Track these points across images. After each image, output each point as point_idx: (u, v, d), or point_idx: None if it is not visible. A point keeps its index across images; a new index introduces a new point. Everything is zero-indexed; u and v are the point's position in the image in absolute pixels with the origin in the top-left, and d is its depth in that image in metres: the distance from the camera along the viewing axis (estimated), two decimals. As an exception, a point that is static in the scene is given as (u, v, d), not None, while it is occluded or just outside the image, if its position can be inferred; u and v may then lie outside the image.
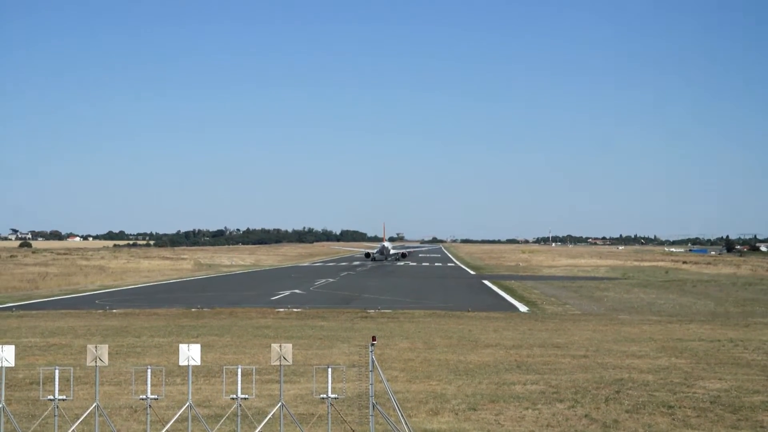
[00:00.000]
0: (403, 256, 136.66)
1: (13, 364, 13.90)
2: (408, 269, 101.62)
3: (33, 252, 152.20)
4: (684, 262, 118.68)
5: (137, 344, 27.62)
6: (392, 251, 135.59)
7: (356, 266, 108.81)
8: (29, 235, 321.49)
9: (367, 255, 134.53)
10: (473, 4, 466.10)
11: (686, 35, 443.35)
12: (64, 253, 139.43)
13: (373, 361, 14.23)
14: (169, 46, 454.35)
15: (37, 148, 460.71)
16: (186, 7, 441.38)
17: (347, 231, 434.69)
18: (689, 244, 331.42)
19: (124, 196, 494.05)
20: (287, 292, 55.21)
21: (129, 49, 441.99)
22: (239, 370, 14.07)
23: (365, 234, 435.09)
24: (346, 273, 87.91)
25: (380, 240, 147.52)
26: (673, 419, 16.64)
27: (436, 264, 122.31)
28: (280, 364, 13.96)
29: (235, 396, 13.97)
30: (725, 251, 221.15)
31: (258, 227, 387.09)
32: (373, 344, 14.42)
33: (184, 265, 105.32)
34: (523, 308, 44.87)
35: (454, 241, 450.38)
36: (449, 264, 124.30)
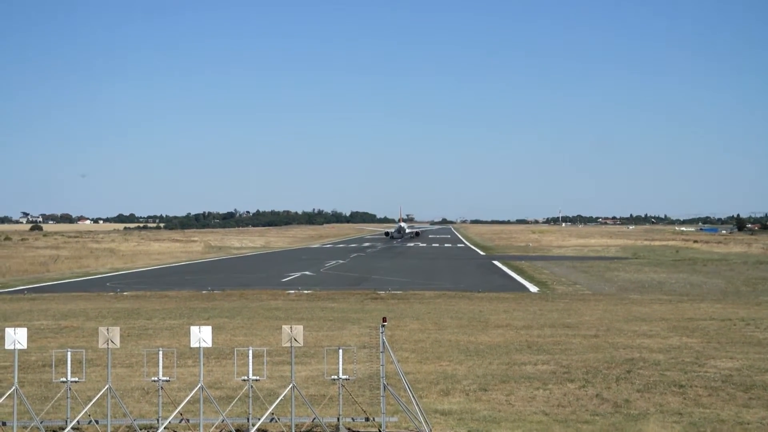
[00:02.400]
0: (417, 234, 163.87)
1: (25, 347, 13.95)
2: (418, 250, 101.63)
3: (44, 235, 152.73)
4: (695, 241, 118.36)
5: (148, 326, 27.71)
6: (407, 230, 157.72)
7: (366, 247, 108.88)
8: (40, 219, 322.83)
9: (387, 233, 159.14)
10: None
11: (693, 15, 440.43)
12: (75, 236, 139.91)
13: (383, 342, 14.23)
14: (177, 30, 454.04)
15: (47, 132, 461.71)
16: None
17: (357, 212, 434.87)
18: (700, 223, 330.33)
19: (135, 179, 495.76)
20: (297, 274, 55.29)
21: (137, 33, 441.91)
22: (250, 352, 14.09)
23: (374, 215, 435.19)
24: (356, 254, 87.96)
25: (391, 221, 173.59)
26: (685, 398, 16.62)
27: (445, 245, 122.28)
28: (291, 346, 13.97)
29: (246, 378, 14.00)
30: (736, 230, 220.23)
31: (268, 209, 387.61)
32: (383, 325, 14.42)
33: (195, 247, 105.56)
34: (533, 288, 44.84)
35: (464, 222, 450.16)
36: (459, 245, 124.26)
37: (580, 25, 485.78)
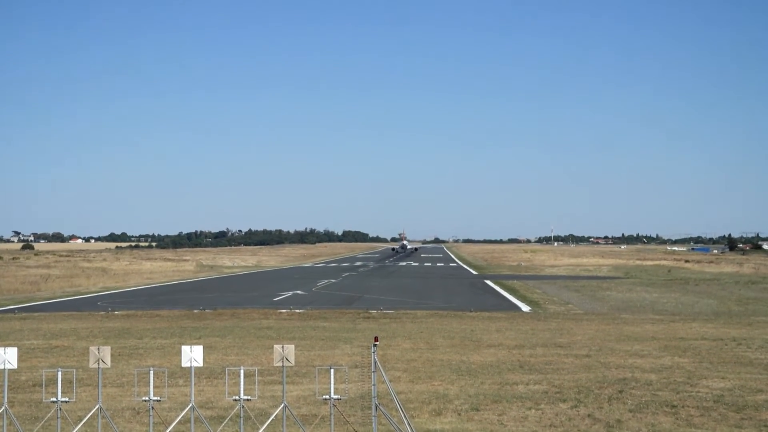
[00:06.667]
0: (416, 250, 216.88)
1: (15, 366, 13.89)
2: (410, 269, 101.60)
3: (35, 254, 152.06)
4: (686, 261, 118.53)
5: (139, 346, 27.61)
6: (408, 247, 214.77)
7: (358, 267, 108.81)
8: (31, 237, 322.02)
9: (393, 249, 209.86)
10: (473, 3, 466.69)
11: (686, 33, 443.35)
12: (67, 255, 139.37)
13: (375, 362, 14.21)
14: (169, 48, 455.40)
15: (39, 150, 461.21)
16: (187, 8, 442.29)
17: (349, 231, 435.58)
18: (691, 243, 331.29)
19: (126, 197, 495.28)
20: (289, 293, 55.19)
21: (129, 50, 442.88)
22: (242, 372, 14.06)
23: (367, 234, 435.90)
24: (348, 274, 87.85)
25: (383, 240, 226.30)
26: (677, 418, 16.62)
27: (438, 264, 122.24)
28: (283, 365, 13.95)
29: (237, 397, 13.96)
30: (727, 250, 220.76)
31: (260, 228, 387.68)
32: (375, 345, 14.41)
33: (186, 266, 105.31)
34: (525, 308, 44.83)
35: (456, 241, 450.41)
36: (451, 264, 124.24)
37: (570, 44, 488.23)
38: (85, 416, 14.23)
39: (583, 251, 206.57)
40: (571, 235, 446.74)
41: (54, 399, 13.81)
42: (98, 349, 13.84)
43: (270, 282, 72.39)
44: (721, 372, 22.20)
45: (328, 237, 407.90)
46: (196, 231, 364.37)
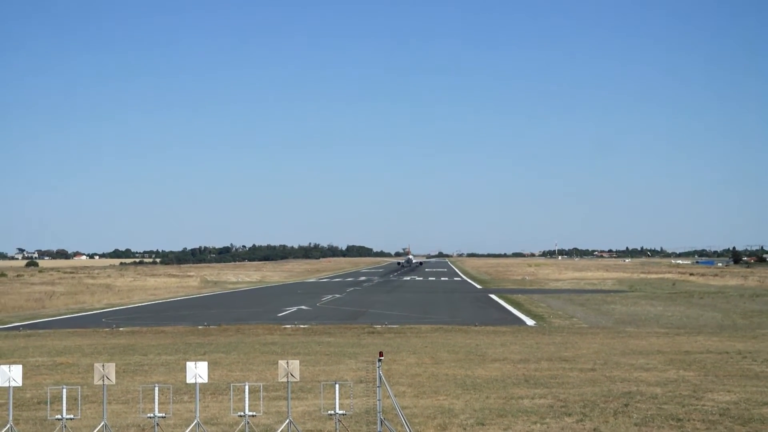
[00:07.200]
0: (420, 264, 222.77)
1: (20, 384, 13.92)
2: (414, 284, 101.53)
3: (39, 271, 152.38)
4: (691, 274, 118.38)
5: (144, 362, 27.61)
6: (414, 261, 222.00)
7: (362, 281, 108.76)
8: (36, 254, 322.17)
9: (398, 263, 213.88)
10: (471, 17, 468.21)
11: (693, 44, 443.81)
12: (71, 272, 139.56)
13: (380, 377, 14.22)
14: (171, 62, 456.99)
15: (43, 167, 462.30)
16: (192, 24, 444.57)
17: (353, 246, 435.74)
18: (696, 256, 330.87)
19: (130, 214, 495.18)
20: (294, 309, 55.18)
21: (132, 63, 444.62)
22: (247, 387, 14.07)
23: (371, 249, 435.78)
24: (352, 289, 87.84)
25: (387, 254, 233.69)
26: (683, 432, 16.58)
27: (442, 278, 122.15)
28: (288, 381, 13.95)
29: (242, 413, 13.96)
30: (732, 263, 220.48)
31: (264, 244, 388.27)
32: (380, 360, 14.42)
33: (191, 282, 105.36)
34: (530, 322, 44.77)
35: (460, 255, 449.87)
36: (455, 278, 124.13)
37: (571, 56, 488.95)
38: (91, 433, 14.24)
39: (588, 265, 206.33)
40: (575, 249, 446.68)
41: (59, 416, 13.83)
42: (103, 365, 13.87)
43: (274, 297, 72.40)
44: (727, 385, 22.15)
45: (332, 252, 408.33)
46: (201, 247, 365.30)
